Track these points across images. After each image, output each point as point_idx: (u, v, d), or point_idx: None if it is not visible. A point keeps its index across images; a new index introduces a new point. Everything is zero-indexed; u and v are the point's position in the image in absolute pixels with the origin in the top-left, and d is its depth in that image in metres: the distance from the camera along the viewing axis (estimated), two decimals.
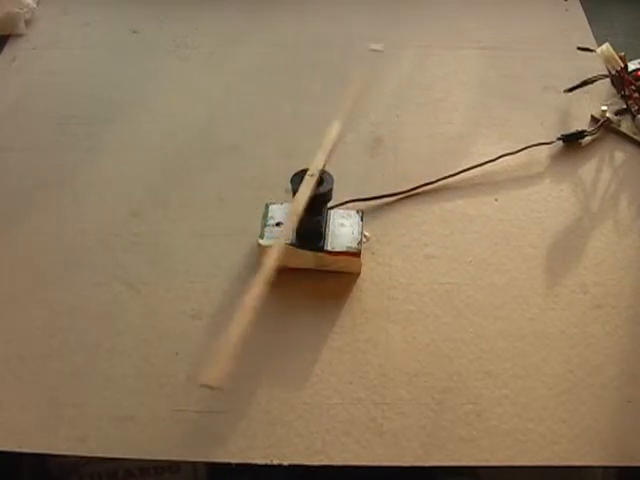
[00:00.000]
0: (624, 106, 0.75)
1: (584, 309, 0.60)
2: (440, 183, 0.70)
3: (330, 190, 0.59)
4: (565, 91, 0.77)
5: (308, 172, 0.58)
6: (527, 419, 0.53)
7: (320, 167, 0.58)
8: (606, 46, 0.74)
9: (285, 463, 0.51)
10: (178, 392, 0.55)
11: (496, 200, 0.69)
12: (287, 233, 0.58)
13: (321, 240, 0.61)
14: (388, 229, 0.66)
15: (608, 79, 0.77)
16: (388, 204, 0.68)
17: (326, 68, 0.85)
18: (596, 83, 0.77)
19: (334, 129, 0.61)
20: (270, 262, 0.53)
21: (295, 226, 0.59)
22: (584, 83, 0.76)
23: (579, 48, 0.80)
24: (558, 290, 0.61)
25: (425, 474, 0.52)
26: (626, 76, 0.74)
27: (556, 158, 0.73)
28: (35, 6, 0.92)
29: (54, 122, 0.77)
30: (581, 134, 0.74)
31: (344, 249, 0.61)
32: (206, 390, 0.55)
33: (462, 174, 0.70)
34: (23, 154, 0.74)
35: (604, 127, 0.75)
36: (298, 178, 0.58)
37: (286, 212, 0.62)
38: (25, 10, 0.90)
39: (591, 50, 0.78)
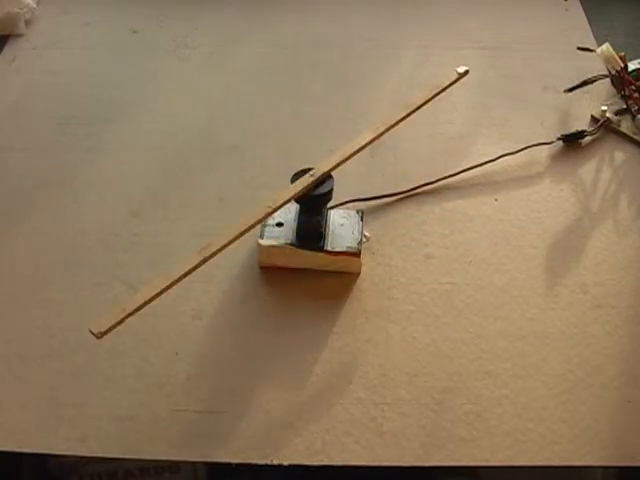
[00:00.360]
0: (624, 106, 0.76)
1: (584, 309, 0.60)
2: (440, 183, 0.70)
3: (330, 190, 0.59)
4: (565, 91, 0.77)
5: (310, 172, 0.58)
6: (527, 419, 0.53)
7: (325, 170, 0.58)
8: (606, 46, 0.74)
9: (285, 463, 0.51)
10: (178, 392, 0.55)
11: (496, 200, 0.69)
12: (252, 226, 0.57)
13: (321, 240, 0.61)
14: (388, 229, 0.66)
15: (608, 79, 0.77)
16: (388, 204, 0.68)
17: (326, 68, 0.85)
18: (596, 83, 0.77)
19: (363, 139, 0.61)
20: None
21: (292, 223, 0.61)
22: (584, 83, 0.76)
23: (579, 48, 0.80)
24: (558, 290, 0.61)
25: (425, 474, 0.52)
26: (626, 76, 0.74)
27: (556, 158, 0.73)
28: (35, 6, 0.92)
29: (54, 122, 0.77)
30: (581, 134, 0.74)
31: (344, 249, 0.61)
32: (206, 390, 0.55)
33: (462, 174, 0.70)
34: (23, 154, 0.74)
35: (604, 127, 0.75)
36: (298, 177, 0.58)
37: (286, 212, 0.62)
38: (25, 10, 0.90)
39: (591, 50, 0.78)
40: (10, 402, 0.54)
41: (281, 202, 0.57)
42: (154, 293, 0.50)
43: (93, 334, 0.48)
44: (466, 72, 0.66)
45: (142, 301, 0.50)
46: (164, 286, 0.51)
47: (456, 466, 0.51)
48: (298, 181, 0.58)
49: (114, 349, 0.57)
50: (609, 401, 0.54)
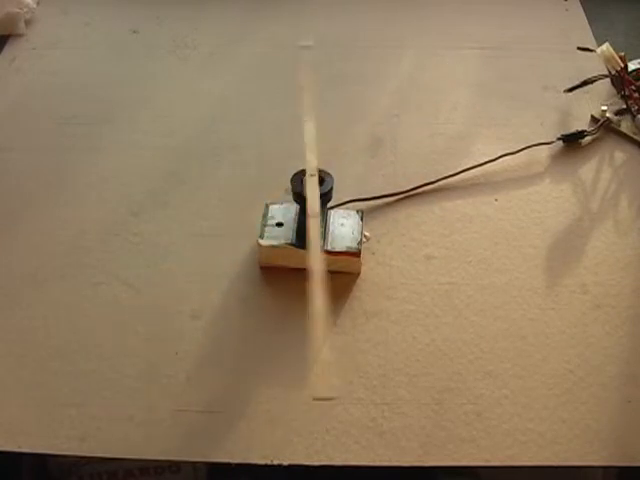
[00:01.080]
0: (624, 106, 0.75)
1: (584, 309, 0.60)
2: (440, 183, 0.70)
3: (330, 190, 0.59)
4: (565, 91, 0.77)
5: (307, 173, 0.58)
6: (527, 419, 0.53)
7: (314, 166, 0.58)
8: (606, 46, 0.74)
9: (285, 463, 0.51)
10: (178, 392, 0.55)
11: (496, 200, 0.69)
12: (315, 239, 0.55)
13: (321, 240, 0.61)
14: (388, 229, 0.66)
15: (608, 79, 0.77)
16: (388, 204, 0.68)
17: (326, 68, 0.84)
18: (596, 83, 0.77)
19: (310, 128, 0.60)
20: (317, 269, 0.51)
21: (292, 224, 0.61)
22: (584, 83, 0.76)
23: (579, 48, 0.80)
24: (558, 290, 0.61)
25: (425, 474, 0.52)
26: (626, 76, 0.74)
27: (556, 158, 0.73)
28: (35, 6, 0.92)
29: (54, 122, 0.77)
30: (581, 134, 0.74)
31: (344, 249, 0.61)
32: (206, 390, 0.55)
33: (462, 174, 0.70)
34: (23, 154, 0.74)
35: (604, 127, 0.75)
36: (298, 178, 0.58)
37: (286, 212, 0.62)
38: (25, 10, 0.90)
39: (591, 50, 0.78)
40: (10, 402, 0.54)
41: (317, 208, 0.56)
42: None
43: (322, 399, 0.48)
44: None
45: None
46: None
47: (456, 466, 0.51)
48: (309, 186, 0.57)
49: (114, 349, 0.57)
50: (609, 401, 0.54)
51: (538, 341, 0.58)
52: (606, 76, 0.77)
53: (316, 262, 0.51)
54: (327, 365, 0.48)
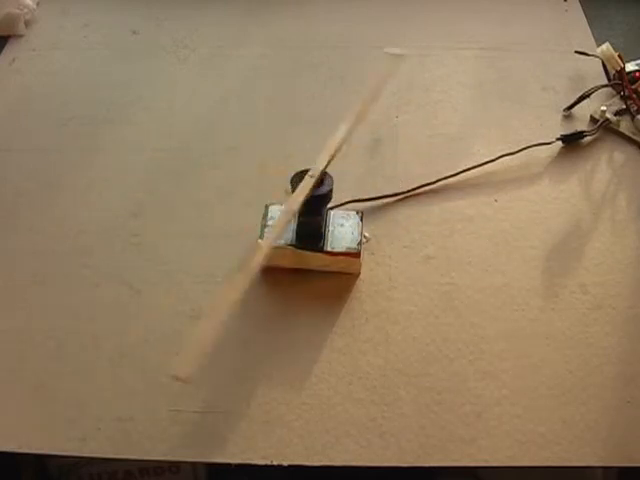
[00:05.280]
0: (623, 106, 0.75)
1: (584, 309, 0.60)
2: (440, 183, 0.70)
3: (330, 191, 0.59)
4: (565, 110, 0.77)
5: (309, 173, 0.58)
6: (527, 419, 0.53)
7: (321, 168, 0.58)
8: (606, 46, 0.74)
9: (285, 463, 0.51)
10: (178, 392, 0.55)
11: (496, 200, 0.69)
12: (279, 233, 0.56)
13: (321, 241, 0.61)
14: (388, 229, 0.66)
15: (605, 84, 0.77)
16: (388, 204, 0.69)
17: (326, 69, 0.85)
18: (595, 83, 0.77)
19: (341, 132, 0.60)
20: (255, 261, 0.52)
21: (289, 225, 0.60)
22: (581, 98, 0.76)
23: (577, 52, 0.80)
24: (558, 290, 0.61)
25: (425, 474, 0.52)
26: (625, 77, 0.74)
27: (555, 158, 0.73)
28: (35, 7, 0.92)
29: (54, 122, 0.77)
30: (581, 134, 0.74)
31: (344, 250, 0.61)
32: (206, 390, 0.55)
33: (462, 174, 0.70)
34: (23, 154, 0.74)
35: (603, 127, 0.75)
36: (298, 178, 0.58)
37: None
38: (25, 11, 0.90)
39: (588, 54, 0.78)
40: (10, 402, 0.54)
41: (297, 206, 0.56)
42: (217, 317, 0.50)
43: (180, 380, 0.48)
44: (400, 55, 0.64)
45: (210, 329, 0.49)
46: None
47: (456, 466, 0.51)
48: (302, 184, 0.57)
49: (114, 349, 0.57)
50: (609, 401, 0.54)
51: (538, 342, 0.58)
52: (603, 86, 0.77)
53: (260, 255, 0.53)
54: (196, 350, 0.48)
